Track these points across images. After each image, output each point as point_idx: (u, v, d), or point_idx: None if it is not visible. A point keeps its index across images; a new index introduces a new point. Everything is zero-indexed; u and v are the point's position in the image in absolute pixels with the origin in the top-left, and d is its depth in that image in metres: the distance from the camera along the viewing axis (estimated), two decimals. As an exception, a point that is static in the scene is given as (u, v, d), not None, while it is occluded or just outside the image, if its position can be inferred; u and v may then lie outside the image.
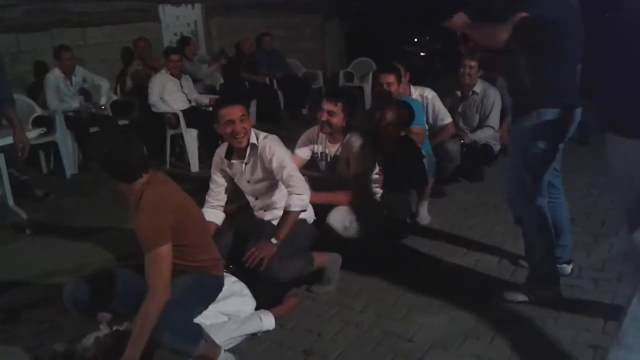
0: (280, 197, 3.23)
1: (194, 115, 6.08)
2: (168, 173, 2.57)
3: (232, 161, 3.18)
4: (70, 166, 5.85)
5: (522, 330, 2.79)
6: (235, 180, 3.25)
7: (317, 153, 3.68)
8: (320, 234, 3.37)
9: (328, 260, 3.27)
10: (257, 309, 2.90)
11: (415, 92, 4.49)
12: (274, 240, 2.98)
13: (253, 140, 3.09)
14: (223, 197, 3.27)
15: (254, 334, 2.81)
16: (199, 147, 6.09)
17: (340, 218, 3.32)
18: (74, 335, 2.75)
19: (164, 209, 2.36)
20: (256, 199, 3.27)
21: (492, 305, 3.03)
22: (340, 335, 2.85)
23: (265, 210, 3.29)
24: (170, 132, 6.13)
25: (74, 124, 5.85)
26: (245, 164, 3.15)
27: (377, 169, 3.60)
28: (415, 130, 4.00)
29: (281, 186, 3.18)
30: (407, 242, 3.88)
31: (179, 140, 6.31)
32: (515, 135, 2.92)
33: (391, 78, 4.09)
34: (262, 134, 3.14)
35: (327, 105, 3.42)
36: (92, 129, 5.85)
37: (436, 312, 3.01)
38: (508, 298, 3.02)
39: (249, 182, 3.20)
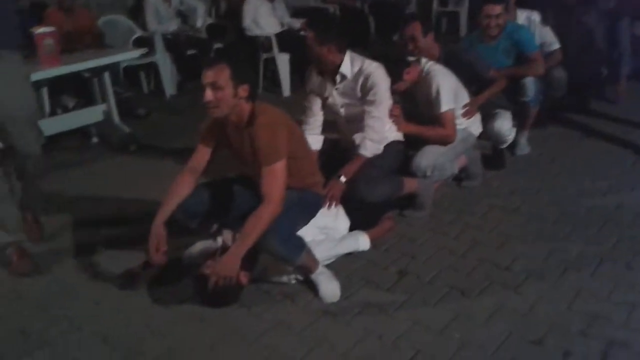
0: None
1: (286, 39, 6.05)
2: (261, 97, 2.61)
3: (325, 83, 3.14)
4: (169, 87, 6.05)
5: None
6: (326, 101, 3.20)
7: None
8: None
9: (419, 186, 3.25)
10: (351, 229, 2.96)
11: (522, 16, 4.22)
12: (342, 179, 2.95)
13: (345, 68, 3.04)
14: (320, 117, 3.25)
15: (348, 254, 2.88)
16: (291, 72, 6.09)
17: (421, 167, 3.21)
18: (179, 244, 2.86)
19: (281, 124, 2.43)
20: (347, 122, 3.22)
21: (594, 238, 2.94)
22: (435, 259, 2.86)
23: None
24: (263, 55, 6.16)
25: (172, 46, 6.00)
26: (337, 88, 3.12)
27: (465, 101, 3.43)
28: (533, 57, 3.80)
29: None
30: (504, 172, 3.79)
31: (271, 64, 6.33)
32: None
33: (498, 9, 3.82)
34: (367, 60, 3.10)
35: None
36: (190, 52, 5.98)
37: (534, 242, 2.95)
38: None
39: (342, 107, 3.17)
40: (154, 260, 2.52)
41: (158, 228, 2.51)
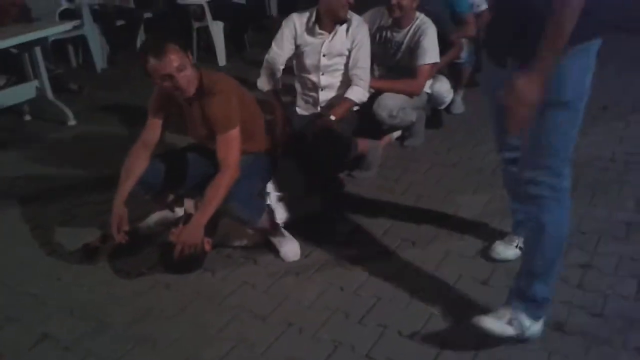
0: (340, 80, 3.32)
1: (220, 7, 5.98)
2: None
3: (319, 31, 3.21)
4: (99, 60, 5.88)
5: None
6: (306, 49, 3.26)
7: (377, 35, 3.60)
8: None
9: (369, 146, 3.39)
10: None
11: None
12: (332, 117, 3.12)
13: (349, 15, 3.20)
14: (281, 65, 3.30)
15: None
16: (226, 41, 6.05)
17: (388, 106, 3.37)
18: (137, 215, 2.87)
19: (231, 92, 2.48)
20: (322, 74, 3.30)
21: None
22: (384, 215, 3.01)
23: (322, 90, 3.33)
24: (195, 24, 6.07)
25: (101, 17, 5.82)
26: (333, 35, 3.21)
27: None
28: (465, 19, 3.95)
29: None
30: (443, 131, 3.99)
31: (204, 33, 6.25)
32: None
33: None
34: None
35: None
36: (118, 22, 5.83)
37: (474, 193, 3.17)
38: None
39: (324, 55, 3.25)
40: (116, 239, 2.54)
41: (119, 208, 2.52)
